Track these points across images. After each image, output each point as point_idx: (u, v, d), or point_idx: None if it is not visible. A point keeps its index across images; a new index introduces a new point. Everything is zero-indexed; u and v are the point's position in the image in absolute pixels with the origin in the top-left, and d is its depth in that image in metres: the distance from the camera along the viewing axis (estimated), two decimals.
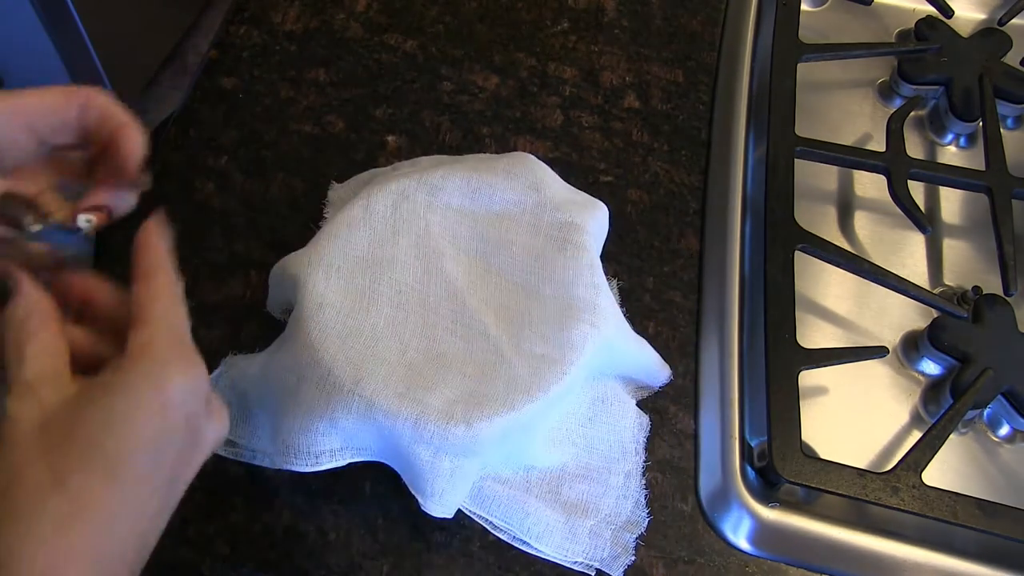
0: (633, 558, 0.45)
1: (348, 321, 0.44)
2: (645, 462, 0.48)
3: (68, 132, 0.33)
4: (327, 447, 0.43)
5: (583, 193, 0.52)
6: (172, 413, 0.29)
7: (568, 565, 0.44)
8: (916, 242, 0.58)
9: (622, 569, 0.44)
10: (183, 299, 0.31)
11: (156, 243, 0.32)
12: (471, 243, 0.49)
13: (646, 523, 0.46)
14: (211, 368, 0.48)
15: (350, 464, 0.43)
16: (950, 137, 0.63)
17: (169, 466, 0.29)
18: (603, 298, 0.46)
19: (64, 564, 0.26)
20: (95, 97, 0.33)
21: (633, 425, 0.48)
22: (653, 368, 0.50)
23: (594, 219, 0.50)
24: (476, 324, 0.46)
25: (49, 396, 0.28)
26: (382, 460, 0.44)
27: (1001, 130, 0.59)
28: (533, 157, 0.52)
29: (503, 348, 0.45)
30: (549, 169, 0.52)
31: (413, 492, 0.43)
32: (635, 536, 0.45)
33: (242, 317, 0.51)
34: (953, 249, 0.58)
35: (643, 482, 0.47)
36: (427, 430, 0.41)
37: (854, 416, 0.51)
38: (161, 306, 0.30)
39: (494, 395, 0.43)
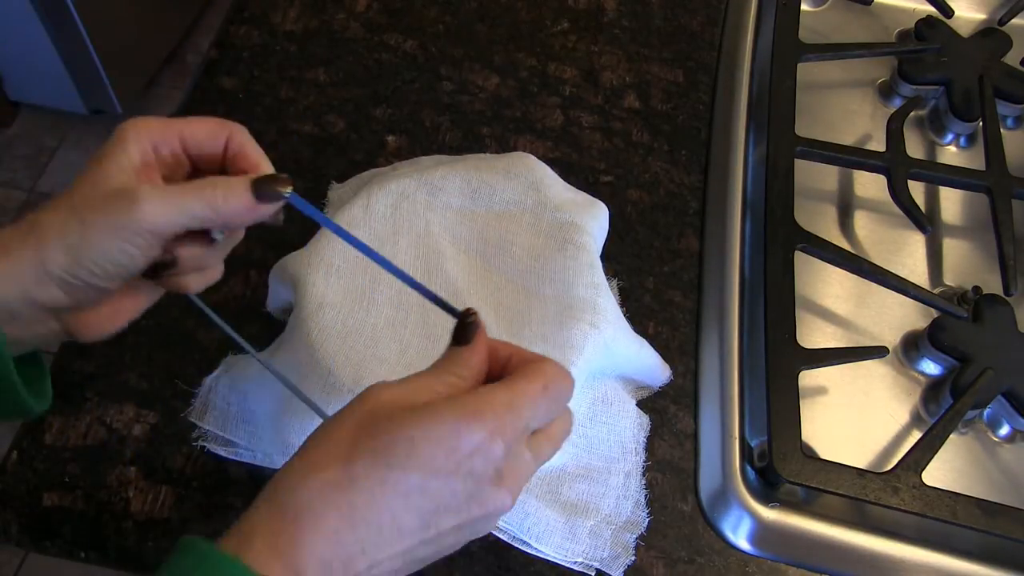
0: (633, 558, 0.45)
1: (348, 321, 0.44)
2: (645, 462, 0.48)
3: (214, 160, 0.36)
4: None
5: (583, 193, 0.52)
6: (455, 456, 0.29)
7: (568, 565, 0.44)
8: (916, 242, 0.58)
9: (622, 569, 0.44)
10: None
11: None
12: (471, 243, 0.49)
13: (646, 523, 0.46)
14: (211, 368, 0.49)
15: None
16: (950, 137, 0.63)
17: (433, 499, 0.29)
18: (603, 298, 0.46)
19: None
20: (237, 133, 0.35)
21: (633, 425, 0.48)
22: (653, 368, 0.50)
23: (594, 219, 0.50)
24: None
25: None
26: None
27: (1001, 130, 0.59)
28: (533, 157, 0.52)
29: None
30: (549, 169, 0.52)
31: None
32: (635, 536, 0.45)
33: (242, 317, 0.51)
34: (953, 249, 0.58)
35: (643, 482, 0.47)
36: None
37: (854, 416, 0.51)
38: (529, 392, 0.31)
39: None
